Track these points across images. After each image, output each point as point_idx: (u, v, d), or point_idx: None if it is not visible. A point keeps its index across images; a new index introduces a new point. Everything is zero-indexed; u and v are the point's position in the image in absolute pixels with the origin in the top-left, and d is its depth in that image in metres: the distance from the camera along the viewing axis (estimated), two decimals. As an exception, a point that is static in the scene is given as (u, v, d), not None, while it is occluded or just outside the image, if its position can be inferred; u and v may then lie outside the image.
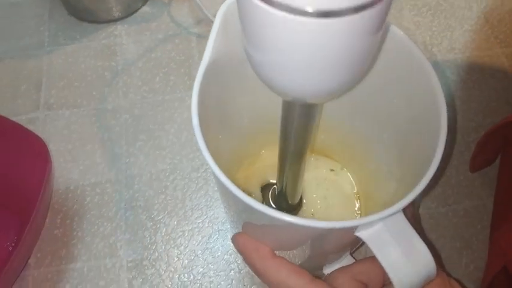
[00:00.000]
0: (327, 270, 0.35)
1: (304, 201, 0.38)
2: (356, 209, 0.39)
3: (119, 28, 0.52)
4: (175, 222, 0.42)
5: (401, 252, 0.24)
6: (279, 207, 0.36)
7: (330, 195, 0.39)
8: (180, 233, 0.41)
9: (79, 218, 0.42)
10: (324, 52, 0.17)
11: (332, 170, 0.40)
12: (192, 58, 0.50)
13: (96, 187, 0.43)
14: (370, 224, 0.24)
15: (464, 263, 0.41)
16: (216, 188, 0.43)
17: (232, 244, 0.40)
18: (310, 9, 0.16)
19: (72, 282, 0.40)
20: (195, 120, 0.24)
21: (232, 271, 0.40)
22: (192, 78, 0.48)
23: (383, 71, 0.29)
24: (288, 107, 0.24)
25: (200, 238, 0.41)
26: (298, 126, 0.25)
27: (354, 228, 0.24)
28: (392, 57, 0.28)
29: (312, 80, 0.19)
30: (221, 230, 0.41)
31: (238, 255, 0.40)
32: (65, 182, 0.44)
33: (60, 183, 0.44)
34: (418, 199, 0.43)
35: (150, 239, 0.41)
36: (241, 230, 0.30)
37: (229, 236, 0.41)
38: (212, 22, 0.27)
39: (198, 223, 0.42)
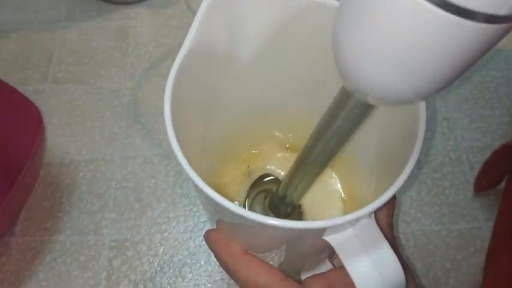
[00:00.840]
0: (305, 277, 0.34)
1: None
2: (343, 212, 0.38)
3: (135, 11, 0.52)
4: (163, 208, 0.42)
5: (370, 261, 0.23)
6: (277, 212, 0.35)
7: (318, 197, 0.38)
8: (166, 219, 0.41)
9: (69, 192, 0.42)
10: (451, 54, 0.16)
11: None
12: (202, 47, 0.50)
13: (90, 164, 0.44)
14: (338, 229, 0.23)
15: (451, 285, 0.39)
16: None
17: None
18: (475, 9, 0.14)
19: (53, 254, 0.40)
20: (167, 108, 0.24)
21: (212, 263, 0.39)
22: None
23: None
24: (341, 104, 0.22)
25: (185, 226, 0.41)
26: (343, 126, 0.24)
27: (320, 231, 0.23)
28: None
29: (418, 81, 0.18)
30: (206, 221, 0.41)
31: (220, 248, 0.40)
32: (61, 155, 0.44)
33: (55, 156, 0.44)
34: (396, 208, 0.42)
35: (135, 221, 0.41)
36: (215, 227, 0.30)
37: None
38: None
39: (185, 211, 0.41)
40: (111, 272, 0.39)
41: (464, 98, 0.47)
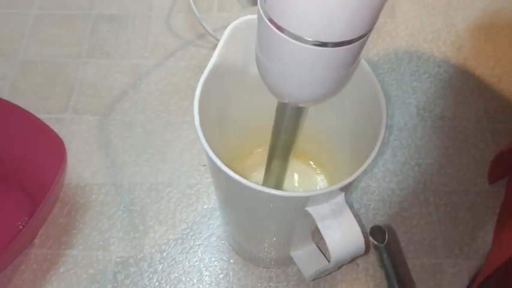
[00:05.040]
0: (294, 254, 0.41)
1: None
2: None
3: (149, 51, 0.59)
4: (164, 230, 0.48)
5: (340, 230, 0.30)
6: None
7: (301, 187, 0.46)
8: (166, 240, 0.47)
9: (83, 212, 0.48)
10: (315, 70, 0.24)
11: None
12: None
13: (102, 187, 0.50)
14: (316, 201, 0.30)
15: (410, 313, 0.45)
16: (205, 206, 0.49)
17: (208, 258, 0.46)
18: (311, 39, 0.22)
19: (66, 266, 0.46)
20: (197, 120, 0.30)
21: (203, 282, 0.45)
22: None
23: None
24: (282, 108, 0.31)
25: (182, 248, 0.47)
26: (287, 125, 0.32)
27: (303, 201, 0.30)
28: (356, 79, 0.35)
29: (304, 89, 0.26)
30: (201, 244, 0.47)
31: (212, 269, 0.46)
32: (77, 178, 0.50)
33: (73, 178, 0.50)
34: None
35: (139, 241, 0.47)
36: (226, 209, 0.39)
37: (211, 246, 0.46)
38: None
39: (183, 234, 0.47)
40: (116, 285, 0.45)
41: (436, 146, 0.53)
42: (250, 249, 0.44)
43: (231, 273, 0.46)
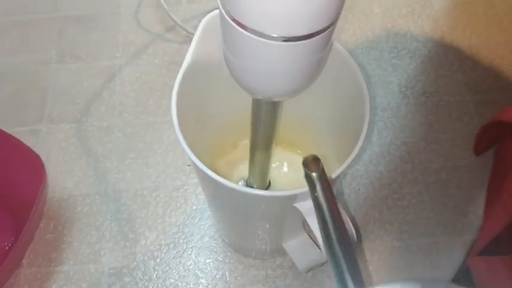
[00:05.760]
0: (286, 245, 0.41)
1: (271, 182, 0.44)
2: None
3: (121, 50, 0.57)
4: (154, 236, 0.47)
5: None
6: None
7: (290, 176, 0.45)
8: (158, 246, 0.46)
9: (70, 225, 0.47)
10: (284, 64, 0.24)
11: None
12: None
13: (87, 198, 0.48)
14: (303, 197, 0.30)
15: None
16: (194, 207, 0.48)
17: (202, 260, 0.45)
18: (275, 35, 0.22)
19: (58, 283, 0.45)
20: (175, 120, 0.30)
21: (200, 286, 0.45)
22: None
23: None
24: (257, 103, 0.30)
25: (175, 252, 0.46)
26: (265, 119, 0.31)
27: (290, 199, 0.30)
28: (333, 65, 0.34)
29: (275, 84, 0.26)
30: (194, 246, 0.46)
31: (208, 271, 0.45)
32: (60, 190, 0.49)
33: (56, 191, 0.49)
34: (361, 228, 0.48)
35: (131, 249, 0.46)
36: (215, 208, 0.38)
37: (204, 248, 0.46)
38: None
39: (175, 238, 0.47)
40: (111, 296, 0.44)
41: (421, 123, 0.53)
42: (243, 243, 0.44)
43: (227, 273, 0.45)
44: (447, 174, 0.50)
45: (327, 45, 0.25)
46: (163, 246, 0.46)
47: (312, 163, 0.26)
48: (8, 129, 0.44)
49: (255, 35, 0.22)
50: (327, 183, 0.25)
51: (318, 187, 0.26)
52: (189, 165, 0.50)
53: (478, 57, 0.58)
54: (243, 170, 0.47)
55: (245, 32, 0.22)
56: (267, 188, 0.44)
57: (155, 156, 0.51)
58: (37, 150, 0.44)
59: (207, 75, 0.35)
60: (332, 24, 0.23)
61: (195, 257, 0.46)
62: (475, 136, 0.51)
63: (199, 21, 0.33)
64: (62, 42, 0.58)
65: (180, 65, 0.32)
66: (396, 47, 0.58)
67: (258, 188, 0.42)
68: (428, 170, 0.51)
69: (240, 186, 0.29)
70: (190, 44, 0.33)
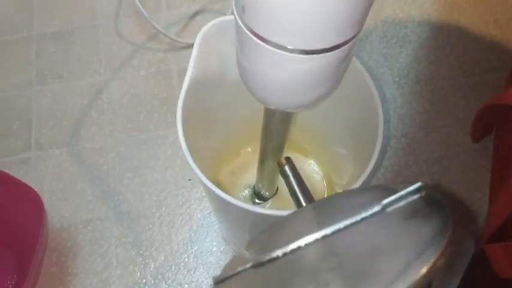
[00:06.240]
0: None
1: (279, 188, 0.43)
2: (325, 190, 0.45)
3: (104, 65, 0.54)
4: (163, 257, 0.45)
5: None
6: (259, 197, 0.43)
7: None
8: (168, 267, 0.45)
9: (73, 255, 0.46)
10: (304, 77, 0.23)
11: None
12: (173, 94, 0.52)
13: (88, 224, 0.47)
14: None
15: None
16: (200, 223, 0.47)
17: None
18: (297, 48, 0.21)
19: (69, 317, 0.43)
20: (182, 139, 0.30)
21: (215, 302, 0.44)
22: (174, 115, 0.51)
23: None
24: (271, 113, 0.30)
25: (186, 272, 0.45)
26: (278, 128, 0.31)
27: None
28: (350, 80, 0.33)
29: (293, 96, 0.25)
30: (205, 263, 0.45)
31: None
32: (59, 220, 0.47)
33: (54, 221, 0.47)
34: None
35: (140, 274, 0.45)
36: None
37: (213, 267, 0.45)
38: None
39: (184, 258, 0.45)
40: (126, 325, 0.43)
41: (418, 112, 0.52)
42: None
43: (241, 288, 0.44)
44: (449, 161, 0.50)
45: (348, 57, 0.24)
46: (173, 267, 0.45)
47: (283, 159, 0.30)
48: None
49: (276, 48, 0.21)
50: (295, 169, 0.30)
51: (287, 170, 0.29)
52: (189, 180, 0.49)
53: (467, 39, 0.57)
54: (247, 178, 0.46)
55: (266, 45, 0.22)
56: (275, 194, 0.43)
57: (153, 173, 0.49)
58: (28, 180, 0.42)
59: (209, 86, 0.34)
60: (355, 36, 0.22)
61: (207, 273, 0.45)
62: (470, 124, 0.50)
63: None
64: (40, 62, 0.55)
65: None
66: (386, 36, 0.57)
67: (266, 193, 0.42)
68: (431, 160, 0.50)
69: (253, 207, 0.28)
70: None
